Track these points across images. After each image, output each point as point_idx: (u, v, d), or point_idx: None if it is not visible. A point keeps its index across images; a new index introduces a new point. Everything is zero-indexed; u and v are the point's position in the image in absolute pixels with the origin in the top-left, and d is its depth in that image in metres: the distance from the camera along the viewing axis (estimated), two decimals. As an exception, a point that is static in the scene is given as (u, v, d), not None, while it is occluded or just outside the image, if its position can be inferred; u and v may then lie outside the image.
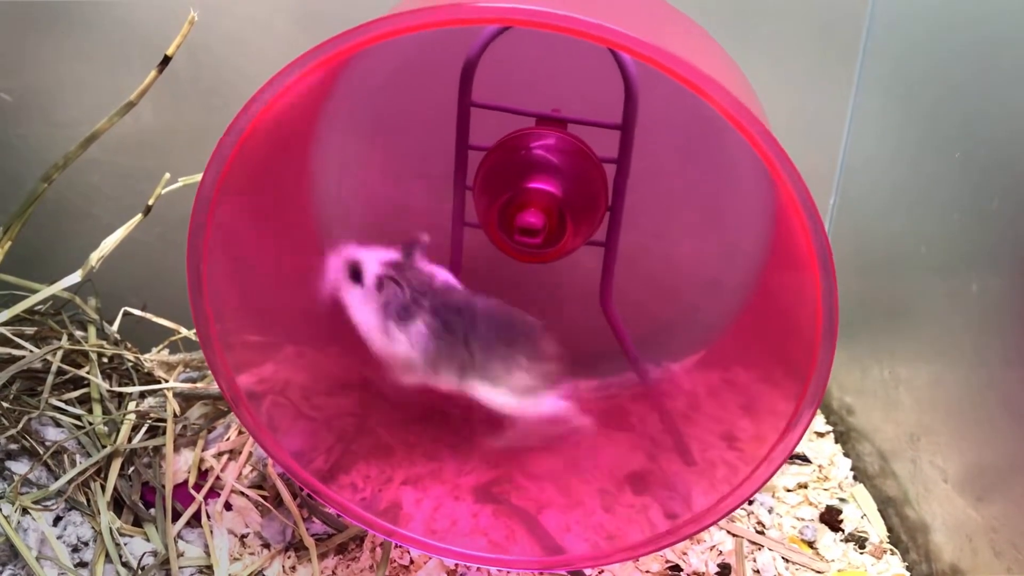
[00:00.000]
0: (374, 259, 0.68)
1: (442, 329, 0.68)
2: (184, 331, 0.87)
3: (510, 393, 0.70)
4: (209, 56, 0.87)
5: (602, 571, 0.73)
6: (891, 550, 0.77)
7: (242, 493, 0.76)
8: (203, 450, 0.80)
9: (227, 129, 0.55)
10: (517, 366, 0.69)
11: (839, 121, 0.90)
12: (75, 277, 0.77)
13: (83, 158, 0.78)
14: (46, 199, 0.79)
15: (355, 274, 0.68)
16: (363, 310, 0.68)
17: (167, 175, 0.78)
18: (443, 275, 0.70)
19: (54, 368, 0.78)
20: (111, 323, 0.86)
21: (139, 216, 0.78)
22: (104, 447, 0.75)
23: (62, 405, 0.77)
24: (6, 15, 0.85)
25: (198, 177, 0.78)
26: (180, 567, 0.70)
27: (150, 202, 0.78)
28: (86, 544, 0.71)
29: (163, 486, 0.75)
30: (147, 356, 0.88)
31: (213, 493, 0.77)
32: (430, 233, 0.74)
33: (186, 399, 0.83)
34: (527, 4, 0.50)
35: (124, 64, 0.87)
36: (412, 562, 0.73)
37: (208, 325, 0.61)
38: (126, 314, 0.86)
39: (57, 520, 0.71)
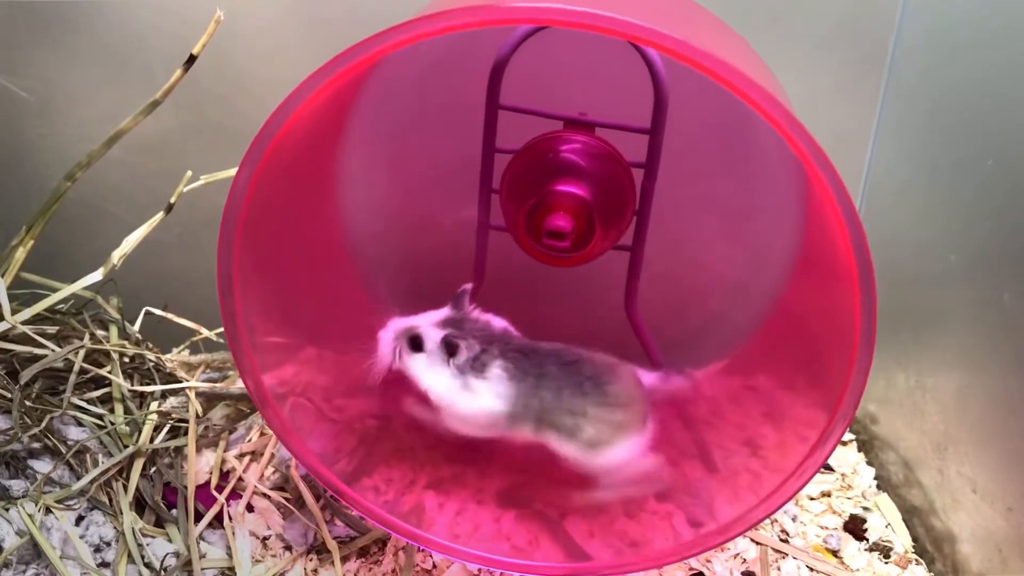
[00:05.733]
0: (428, 323, 0.68)
1: (516, 372, 0.67)
2: (205, 331, 0.86)
3: (580, 447, 0.68)
4: (229, 57, 0.87)
5: (625, 577, 0.73)
6: (916, 560, 0.76)
7: (264, 495, 0.76)
8: (225, 451, 0.79)
9: (262, 128, 0.55)
10: (584, 417, 0.68)
11: (865, 129, 0.89)
12: (97, 275, 0.77)
13: (103, 158, 0.78)
14: (67, 198, 0.79)
15: (415, 343, 0.67)
16: (433, 375, 0.67)
17: (189, 173, 0.78)
18: (499, 322, 0.70)
19: (76, 367, 0.78)
20: (132, 323, 0.86)
21: (160, 214, 0.78)
22: (126, 447, 0.75)
23: (84, 404, 0.77)
24: (27, 17, 0.85)
25: (221, 175, 0.78)
26: (202, 568, 0.70)
27: (172, 200, 0.78)
28: (108, 544, 0.70)
29: (185, 487, 0.75)
30: (168, 356, 0.87)
31: (235, 494, 0.76)
32: (457, 234, 0.73)
33: (208, 399, 0.83)
34: (559, 4, 0.49)
35: (145, 63, 0.87)
36: (435, 566, 0.73)
37: (237, 324, 0.61)
38: (147, 314, 0.86)
39: (79, 520, 0.71)
